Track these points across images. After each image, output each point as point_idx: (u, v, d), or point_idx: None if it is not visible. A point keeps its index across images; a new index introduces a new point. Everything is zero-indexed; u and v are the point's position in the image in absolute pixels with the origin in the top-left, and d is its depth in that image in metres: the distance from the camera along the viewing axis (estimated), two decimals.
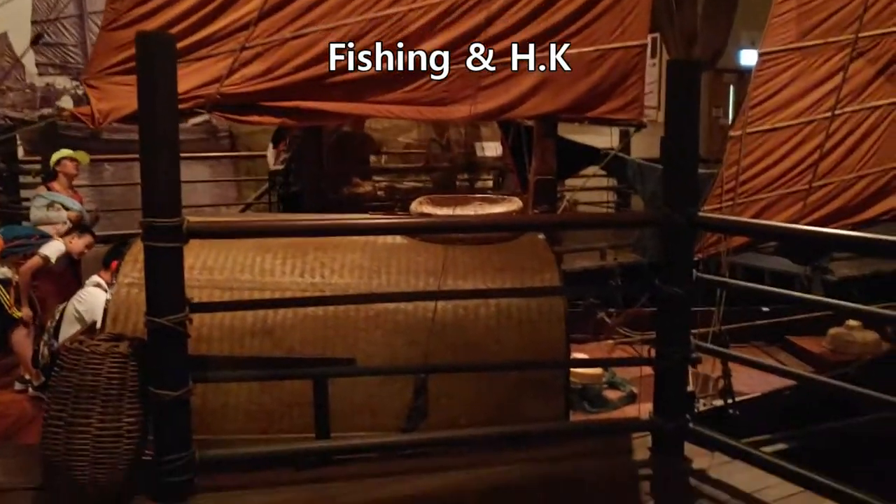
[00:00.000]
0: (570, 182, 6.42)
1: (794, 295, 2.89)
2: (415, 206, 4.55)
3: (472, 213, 4.64)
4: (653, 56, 8.33)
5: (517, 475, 3.25)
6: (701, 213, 3.04)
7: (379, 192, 7.28)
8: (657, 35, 7.79)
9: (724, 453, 3.11)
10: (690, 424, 3.18)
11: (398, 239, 4.10)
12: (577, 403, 4.67)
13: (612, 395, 4.86)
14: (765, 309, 5.01)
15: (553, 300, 3.72)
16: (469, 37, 4.55)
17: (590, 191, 9.23)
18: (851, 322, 5.16)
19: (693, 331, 4.69)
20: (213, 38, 4.47)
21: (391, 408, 3.54)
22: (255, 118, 4.61)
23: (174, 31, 4.38)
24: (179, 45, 4.35)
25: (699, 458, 3.21)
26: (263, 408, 3.52)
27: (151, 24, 4.40)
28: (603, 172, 6.22)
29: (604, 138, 11.11)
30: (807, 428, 4.08)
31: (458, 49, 4.56)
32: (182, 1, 4.39)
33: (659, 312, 3.21)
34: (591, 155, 5.14)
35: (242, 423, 3.53)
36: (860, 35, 4.78)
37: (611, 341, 5.78)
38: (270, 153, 7.70)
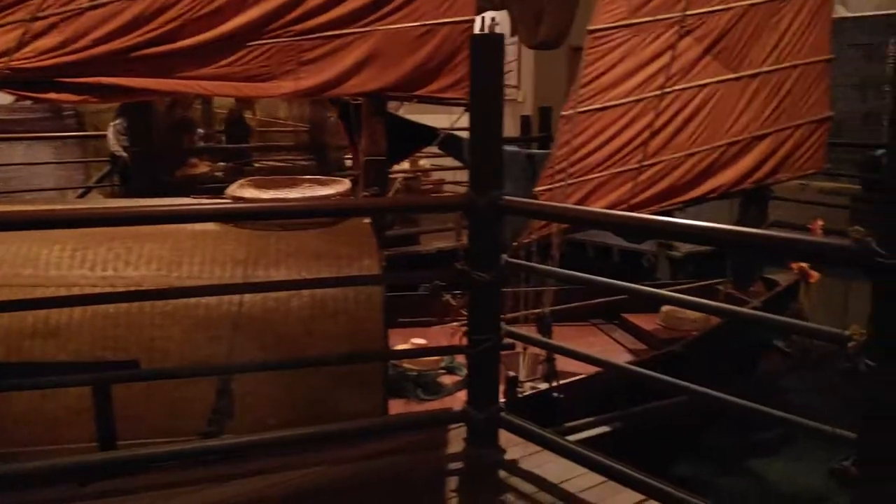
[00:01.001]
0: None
1: (588, 278, 2.81)
2: (231, 190, 4.28)
3: (298, 195, 4.42)
4: (512, 34, 8.28)
5: (326, 477, 3.07)
6: (508, 197, 2.90)
7: (217, 174, 6.91)
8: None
9: (534, 443, 3.02)
10: (503, 414, 3.08)
11: (209, 226, 3.82)
12: (411, 392, 4.54)
13: (448, 380, 4.75)
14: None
15: (371, 289, 3.54)
16: (289, 8, 4.26)
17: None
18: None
19: (520, 313, 4.68)
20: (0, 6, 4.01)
21: (192, 410, 3.28)
22: (53, 95, 4.18)
23: None
24: None
25: (513, 447, 3.12)
26: (45, 416, 3.19)
27: None
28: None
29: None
30: (630, 409, 4.09)
31: (276, 21, 4.26)
32: None
33: (469, 299, 3.09)
34: (427, 134, 4.97)
35: (23, 433, 3.19)
36: (687, 13, 4.79)
37: (456, 324, 5.67)
38: (111, 132, 7.19)
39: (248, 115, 8.03)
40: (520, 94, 12.81)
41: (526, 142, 9.21)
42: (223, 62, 4.27)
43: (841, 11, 15.10)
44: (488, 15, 12.00)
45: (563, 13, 7.13)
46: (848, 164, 11.81)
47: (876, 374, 1.87)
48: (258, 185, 4.48)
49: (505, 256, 3.03)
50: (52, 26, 4.07)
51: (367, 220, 3.99)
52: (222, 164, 7.39)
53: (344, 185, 4.41)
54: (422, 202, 3.87)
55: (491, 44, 2.87)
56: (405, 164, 7.41)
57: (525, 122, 10.80)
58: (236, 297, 3.40)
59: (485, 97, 2.88)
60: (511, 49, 12.25)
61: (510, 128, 11.57)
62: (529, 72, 12.69)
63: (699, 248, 7.57)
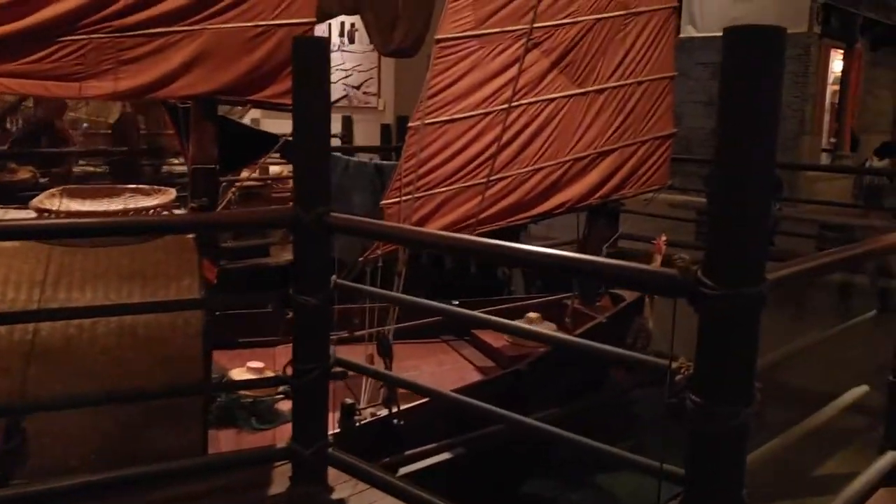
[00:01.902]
0: None
1: (412, 300, 2.64)
2: (39, 200, 3.83)
3: (119, 207, 4.03)
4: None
5: None
6: (335, 214, 2.68)
7: (42, 180, 6.33)
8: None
9: (361, 480, 2.80)
10: (331, 449, 2.85)
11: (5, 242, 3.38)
12: (243, 421, 4.22)
13: (286, 406, 4.45)
14: (455, 302, 4.85)
15: (190, 313, 3.22)
16: (105, 2, 3.88)
17: None
18: (531, 314, 5.17)
19: (364, 332, 4.46)
20: None
21: None
22: None
23: None
24: None
25: (343, 484, 2.89)
26: None
27: None
28: None
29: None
30: (473, 432, 3.94)
31: (93, 15, 3.88)
32: None
33: (294, 324, 2.84)
34: (267, 141, 4.67)
35: None
36: (535, 25, 4.73)
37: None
38: None
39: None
40: (380, 102, 12.63)
41: (385, 151, 9.01)
42: (30, 58, 3.84)
43: (690, 31, 15.83)
44: (348, 20, 11.75)
45: (419, 20, 6.97)
46: (696, 178, 12.34)
47: (701, 411, 1.77)
48: (73, 195, 4.05)
49: (334, 278, 2.80)
50: None
51: (190, 235, 3.66)
52: (56, 169, 6.78)
53: (169, 194, 4.05)
54: (241, 218, 3.57)
55: (313, 46, 2.64)
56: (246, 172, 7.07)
57: (385, 131, 10.62)
58: (30, 325, 3.00)
59: (308, 104, 2.64)
60: (371, 56, 12.08)
61: (372, 137, 11.38)
62: (390, 80, 12.54)
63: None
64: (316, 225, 2.66)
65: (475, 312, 2.57)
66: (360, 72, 12.72)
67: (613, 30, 5.13)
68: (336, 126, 10.31)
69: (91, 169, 7.07)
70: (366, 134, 11.45)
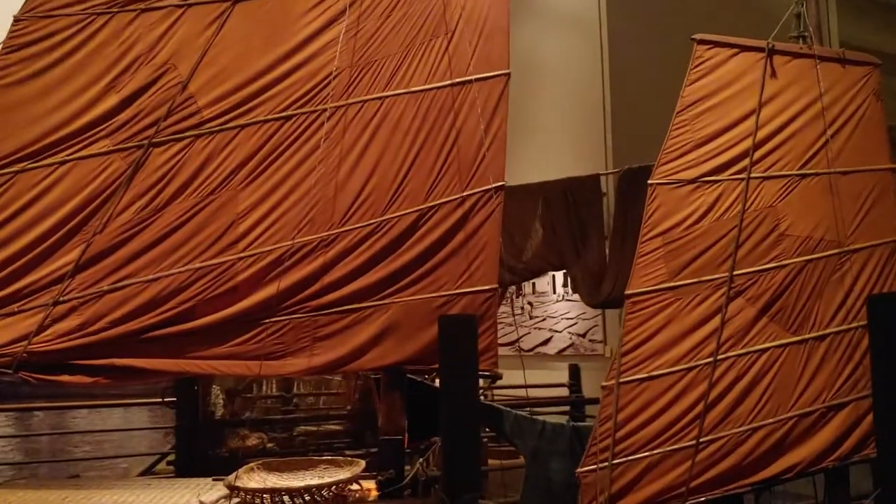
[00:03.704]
0: None
1: None
2: (233, 477, 3.96)
3: (313, 481, 4.07)
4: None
5: None
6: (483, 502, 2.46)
7: (269, 445, 6.66)
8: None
9: None
10: None
11: None
12: None
13: None
14: None
15: None
16: (304, 285, 4.20)
17: None
18: None
19: None
20: (24, 293, 4.11)
21: None
22: (66, 378, 4.14)
23: None
24: None
25: None
26: None
27: None
28: None
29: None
30: None
31: (292, 297, 4.20)
32: None
33: None
34: None
35: None
36: (735, 273, 4.44)
37: None
38: None
39: None
40: (606, 349, 12.38)
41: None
42: (237, 341, 4.17)
43: None
44: (559, 275, 11.93)
45: (627, 272, 6.90)
46: None
47: None
48: (271, 469, 4.17)
49: None
50: (72, 309, 4.12)
51: None
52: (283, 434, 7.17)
53: (359, 466, 4.05)
54: None
55: (459, 325, 2.58)
56: None
57: None
58: None
59: (455, 384, 2.54)
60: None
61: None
62: (615, 326, 12.34)
63: None
64: None
65: None
66: (584, 319, 12.69)
67: (828, 270, 4.69)
68: (563, 375, 10.15)
69: (313, 429, 7.38)
70: (595, 382, 11.15)
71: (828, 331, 4.60)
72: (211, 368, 4.13)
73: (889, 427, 1.21)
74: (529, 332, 12.99)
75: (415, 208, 4.27)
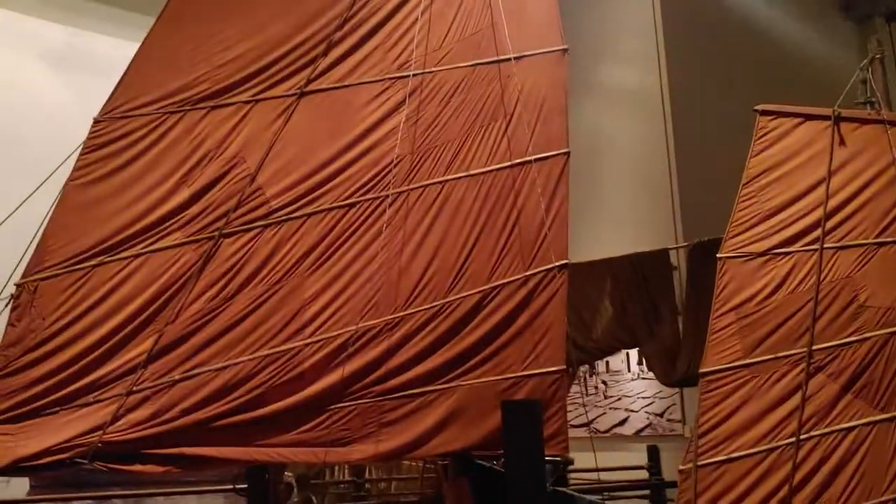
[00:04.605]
0: None
1: None
2: None
3: None
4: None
5: None
6: None
7: None
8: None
9: None
10: None
11: None
12: None
13: None
14: None
15: None
16: (369, 370, 4.20)
17: None
18: None
19: None
20: (99, 384, 4.20)
21: None
22: (138, 467, 4.18)
23: (60, 377, 4.15)
24: (64, 391, 4.13)
25: None
26: None
27: (39, 371, 4.19)
28: None
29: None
30: None
31: (358, 383, 4.19)
32: (72, 347, 4.19)
33: None
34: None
35: None
36: (814, 348, 4.26)
37: None
38: None
39: None
40: (685, 428, 11.93)
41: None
42: (304, 428, 4.17)
43: None
44: (633, 353, 11.65)
45: (701, 350, 6.70)
46: None
47: None
48: None
49: None
50: (145, 399, 4.18)
51: None
52: None
53: None
54: None
55: (521, 409, 2.53)
56: None
57: None
58: None
59: (521, 473, 2.47)
60: (652, 385, 11.66)
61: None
62: (694, 404, 11.91)
63: None
64: None
65: None
66: (661, 399, 12.30)
67: None
68: (641, 457, 9.81)
69: None
70: (674, 464, 10.71)
71: None
72: (278, 456, 4.12)
73: None
74: (605, 413, 12.63)
75: (477, 289, 4.26)
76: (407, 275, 4.29)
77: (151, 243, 4.32)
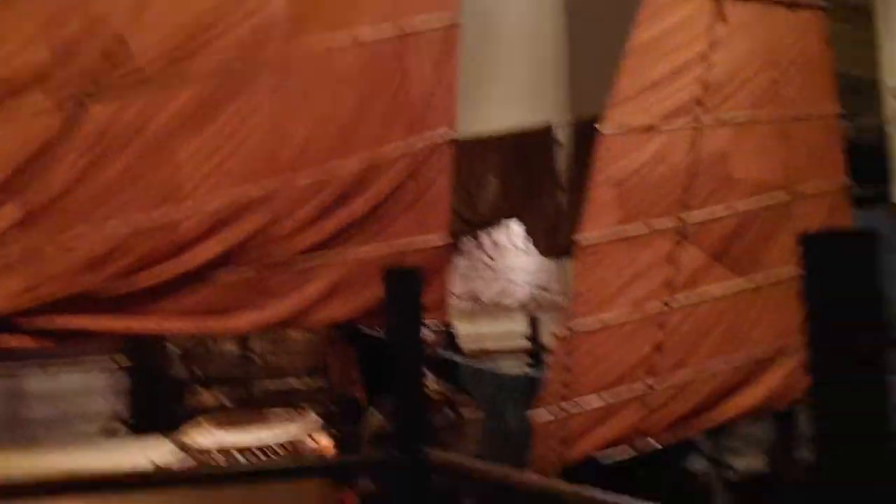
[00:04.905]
0: None
1: None
2: (181, 433, 3.91)
3: (268, 437, 4.04)
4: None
5: None
6: (435, 453, 2.44)
7: (226, 403, 6.62)
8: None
9: None
10: None
11: None
12: None
13: None
14: None
15: None
16: (251, 239, 4.09)
17: None
18: None
19: None
20: None
21: None
22: (11, 340, 4.01)
23: None
24: None
25: None
26: None
27: None
28: None
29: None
30: None
31: (237, 252, 4.09)
32: None
33: None
34: None
35: None
36: (686, 219, 4.44)
37: None
38: None
39: None
40: (565, 299, 12.47)
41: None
42: (184, 299, 4.06)
43: None
44: (518, 227, 11.92)
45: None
46: None
47: None
48: (219, 424, 4.13)
49: None
50: (10, 268, 3.97)
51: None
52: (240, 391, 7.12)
53: (313, 420, 4.04)
54: (330, 464, 3.36)
55: (404, 277, 2.53)
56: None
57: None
58: None
59: (401, 336, 2.50)
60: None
61: None
62: None
63: (758, 468, 6.72)
64: (413, 466, 2.43)
65: None
66: (543, 271, 12.74)
67: (778, 214, 4.72)
68: (522, 326, 10.23)
69: (274, 387, 7.34)
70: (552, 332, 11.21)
71: (779, 275, 4.65)
72: (157, 327, 4.03)
73: (821, 366, 1.20)
74: (489, 285, 13.01)
75: (363, 157, 4.17)
76: (289, 141, 4.14)
77: (9, 106, 3.99)
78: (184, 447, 3.65)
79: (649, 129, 4.50)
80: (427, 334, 9.49)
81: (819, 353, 1.35)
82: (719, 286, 4.52)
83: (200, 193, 4.02)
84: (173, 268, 4.05)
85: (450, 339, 9.20)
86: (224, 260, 4.06)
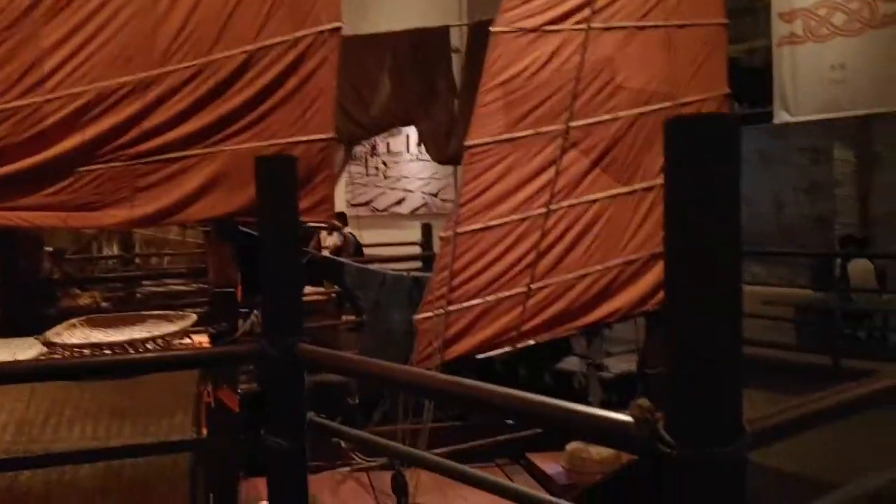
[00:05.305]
0: None
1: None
2: (51, 333, 3.75)
3: (140, 335, 3.92)
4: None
5: None
6: (307, 347, 2.41)
7: (104, 304, 6.40)
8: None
9: None
10: None
11: None
12: None
13: None
14: (509, 421, 4.46)
15: (178, 453, 2.99)
16: (122, 130, 3.88)
17: None
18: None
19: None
20: None
21: None
22: None
23: None
24: None
25: None
26: None
27: None
28: None
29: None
30: None
31: (108, 144, 3.87)
32: None
33: (268, 470, 2.55)
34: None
35: None
36: (571, 125, 4.48)
37: (346, 468, 5.09)
38: None
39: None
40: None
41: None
42: (48, 190, 3.84)
43: (784, 117, 15.20)
44: (413, 134, 11.85)
45: None
46: (800, 268, 11.46)
47: None
48: (96, 325, 3.98)
49: (311, 415, 2.51)
50: None
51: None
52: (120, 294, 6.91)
53: (189, 319, 3.93)
54: (202, 355, 3.32)
55: (277, 165, 2.45)
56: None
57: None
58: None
59: (273, 225, 2.44)
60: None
61: None
62: None
63: (631, 369, 7.08)
64: (285, 359, 2.40)
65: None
66: (437, 179, 12.77)
67: (658, 123, 4.80)
68: (416, 234, 10.26)
69: (156, 290, 7.16)
70: None
71: (656, 182, 4.77)
72: (19, 219, 3.80)
73: (676, 261, 1.23)
74: (384, 193, 12.97)
75: (242, 49, 3.97)
76: (163, 28, 3.89)
77: None
78: (50, 345, 3.50)
79: (540, 32, 4.45)
80: (331, 240, 9.41)
81: (677, 228, 1.35)
82: (599, 192, 4.61)
83: (67, 80, 3.75)
84: (36, 158, 3.81)
85: (357, 245, 9.19)
86: (92, 149, 3.85)
